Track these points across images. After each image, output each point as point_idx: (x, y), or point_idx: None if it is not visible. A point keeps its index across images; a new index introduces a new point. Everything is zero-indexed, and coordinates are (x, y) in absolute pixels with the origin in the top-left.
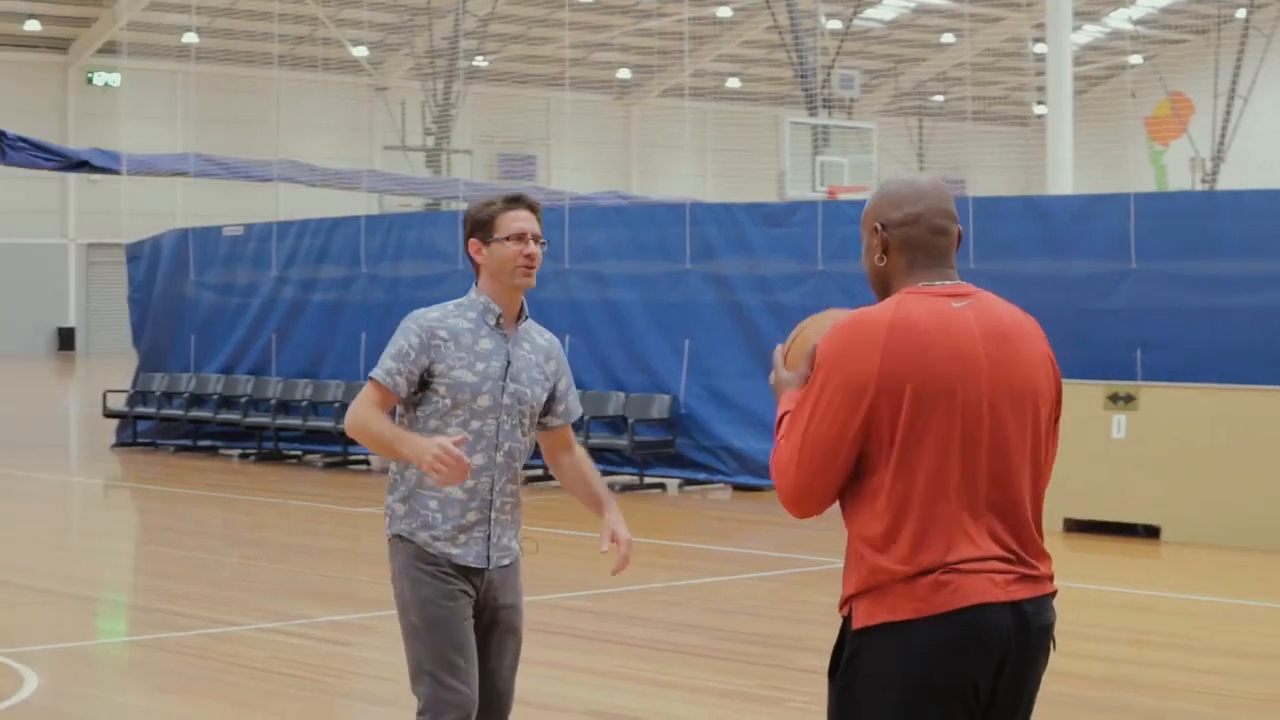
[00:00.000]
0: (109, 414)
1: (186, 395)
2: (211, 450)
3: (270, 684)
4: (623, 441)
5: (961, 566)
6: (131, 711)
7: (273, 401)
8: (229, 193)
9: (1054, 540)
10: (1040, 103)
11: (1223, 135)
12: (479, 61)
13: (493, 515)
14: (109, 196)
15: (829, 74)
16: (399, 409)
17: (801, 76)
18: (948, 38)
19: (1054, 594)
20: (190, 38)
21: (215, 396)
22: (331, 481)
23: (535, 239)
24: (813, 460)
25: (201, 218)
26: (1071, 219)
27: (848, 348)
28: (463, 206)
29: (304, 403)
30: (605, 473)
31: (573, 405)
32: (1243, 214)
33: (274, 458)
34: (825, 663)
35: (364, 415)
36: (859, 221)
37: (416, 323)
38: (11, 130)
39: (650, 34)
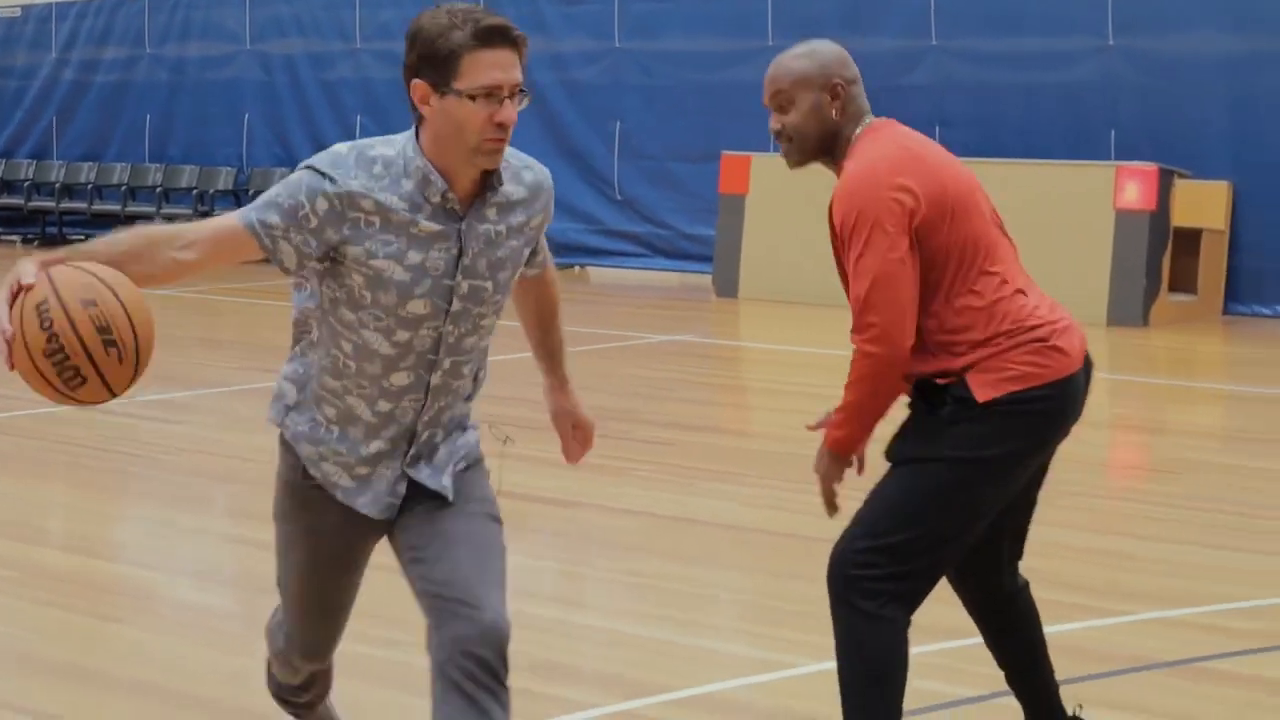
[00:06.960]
0: None
1: None
2: None
3: (108, 463)
4: None
5: (1058, 326)
6: None
7: (56, 185)
8: None
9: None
10: None
11: None
12: None
13: (411, 450)
14: None
15: None
16: (294, 282)
17: None
18: None
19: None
20: None
21: None
22: None
23: (513, 93)
24: (897, 289)
25: None
26: None
27: (875, 186)
28: None
29: (89, 186)
30: None
31: (544, 246)
32: None
33: (58, 242)
34: (665, 434)
35: (137, 240)
36: None
37: (331, 182)
38: None
39: None
